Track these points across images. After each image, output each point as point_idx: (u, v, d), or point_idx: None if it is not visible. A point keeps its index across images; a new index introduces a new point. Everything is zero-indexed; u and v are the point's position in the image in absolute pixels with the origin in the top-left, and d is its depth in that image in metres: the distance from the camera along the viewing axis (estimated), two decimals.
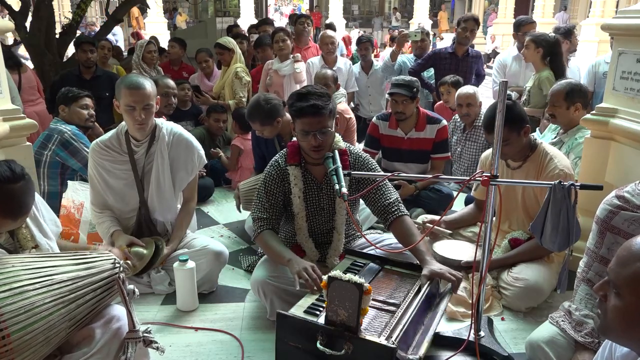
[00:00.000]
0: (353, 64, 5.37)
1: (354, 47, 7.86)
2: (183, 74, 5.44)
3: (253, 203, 2.38)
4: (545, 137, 3.28)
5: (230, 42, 4.84)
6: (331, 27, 7.67)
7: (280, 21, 16.69)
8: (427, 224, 2.80)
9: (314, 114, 2.14)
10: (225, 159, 4.20)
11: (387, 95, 4.30)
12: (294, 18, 6.05)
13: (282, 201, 2.33)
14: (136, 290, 1.67)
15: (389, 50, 6.60)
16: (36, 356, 1.45)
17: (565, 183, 1.75)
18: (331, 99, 2.21)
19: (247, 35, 6.27)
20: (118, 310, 1.69)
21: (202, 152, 2.69)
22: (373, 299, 1.82)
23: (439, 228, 2.82)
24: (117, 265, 1.66)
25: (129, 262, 1.71)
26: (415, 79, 3.67)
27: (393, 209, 2.24)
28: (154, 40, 5.41)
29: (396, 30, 12.71)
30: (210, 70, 5.14)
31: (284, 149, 2.39)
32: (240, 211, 3.30)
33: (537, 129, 3.70)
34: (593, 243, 1.79)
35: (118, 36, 13.82)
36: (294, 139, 2.35)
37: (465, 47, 4.71)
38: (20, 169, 1.57)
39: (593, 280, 1.78)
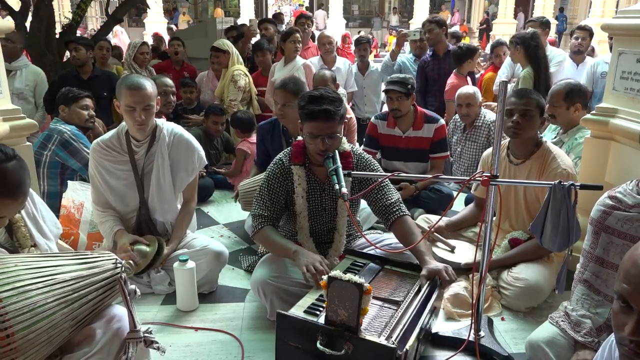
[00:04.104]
0: None
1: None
2: (185, 74, 5.44)
3: (254, 200, 2.37)
4: (545, 137, 3.28)
5: (224, 43, 4.81)
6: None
7: (285, 17, 16.66)
8: (430, 227, 2.79)
9: (325, 119, 2.12)
10: (227, 171, 4.19)
11: (382, 97, 4.31)
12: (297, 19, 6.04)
13: (284, 200, 2.33)
14: (137, 290, 1.66)
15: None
16: (39, 355, 1.45)
17: (565, 183, 1.75)
18: (342, 104, 2.20)
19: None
20: (119, 310, 1.69)
21: (203, 152, 2.69)
22: (373, 299, 1.82)
23: (443, 239, 2.79)
24: (119, 265, 1.66)
25: (131, 262, 1.71)
26: (410, 76, 3.69)
27: (394, 209, 2.24)
28: (152, 41, 5.43)
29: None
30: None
31: (288, 148, 2.39)
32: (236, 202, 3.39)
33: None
34: (588, 244, 1.81)
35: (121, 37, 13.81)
36: (299, 137, 2.35)
37: (438, 45, 4.74)
38: (11, 150, 1.55)
39: (590, 281, 1.79)
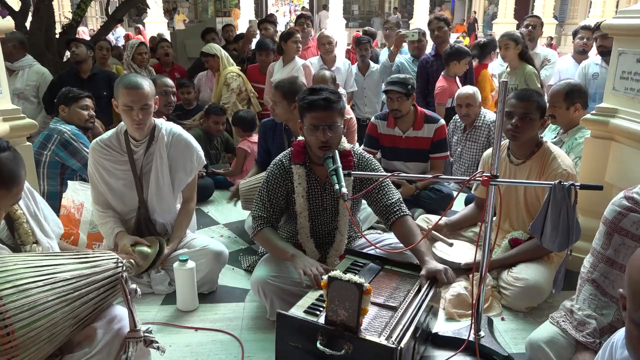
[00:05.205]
0: None
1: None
2: (175, 74, 5.44)
3: (254, 201, 2.38)
4: (545, 137, 3.28)
5: (212, 47, 4.82)
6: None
7: (285, 18, 16.66)
8: (430, 227, 2.79)
9: (325, 107, 2.14)
10: (227, 171, 4.18)
11: (383, 97, 4.29)
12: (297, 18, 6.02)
13: (284, 201, 2.33)
14: (138, 289, 1.67)
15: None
16: (40, 353, 1.45)
17: (565, 183, 1.75)
18: (342, 99, 2.22)
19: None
20: (119, 310, 1.69)
21: (202, 152, 2.69)
22: (373, 299, 1.82)
23: (441, 237, 2.79)
24: (120, 264, 1.66)
25: (132, 260, 1.71)
26: (410, 76, 3.69)
27: (395, 209, 2.24)
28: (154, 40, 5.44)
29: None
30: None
31: (288, 149, 2.39)
32: (233, 204, 3.38)
33: None
34: (599, 244, 1.77)
35: (120, 37, 13.79)
36: (301, 137, 2.35)
37: (443, 45, 4.71)
38: (5, 142, 1.56)
39: (598, 281, 1.76)
